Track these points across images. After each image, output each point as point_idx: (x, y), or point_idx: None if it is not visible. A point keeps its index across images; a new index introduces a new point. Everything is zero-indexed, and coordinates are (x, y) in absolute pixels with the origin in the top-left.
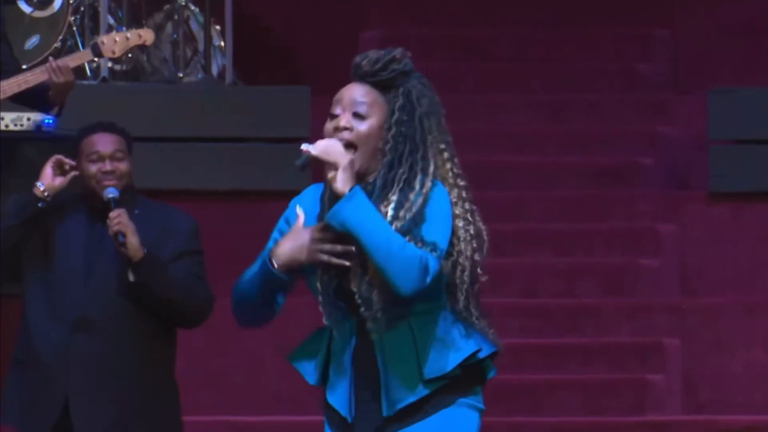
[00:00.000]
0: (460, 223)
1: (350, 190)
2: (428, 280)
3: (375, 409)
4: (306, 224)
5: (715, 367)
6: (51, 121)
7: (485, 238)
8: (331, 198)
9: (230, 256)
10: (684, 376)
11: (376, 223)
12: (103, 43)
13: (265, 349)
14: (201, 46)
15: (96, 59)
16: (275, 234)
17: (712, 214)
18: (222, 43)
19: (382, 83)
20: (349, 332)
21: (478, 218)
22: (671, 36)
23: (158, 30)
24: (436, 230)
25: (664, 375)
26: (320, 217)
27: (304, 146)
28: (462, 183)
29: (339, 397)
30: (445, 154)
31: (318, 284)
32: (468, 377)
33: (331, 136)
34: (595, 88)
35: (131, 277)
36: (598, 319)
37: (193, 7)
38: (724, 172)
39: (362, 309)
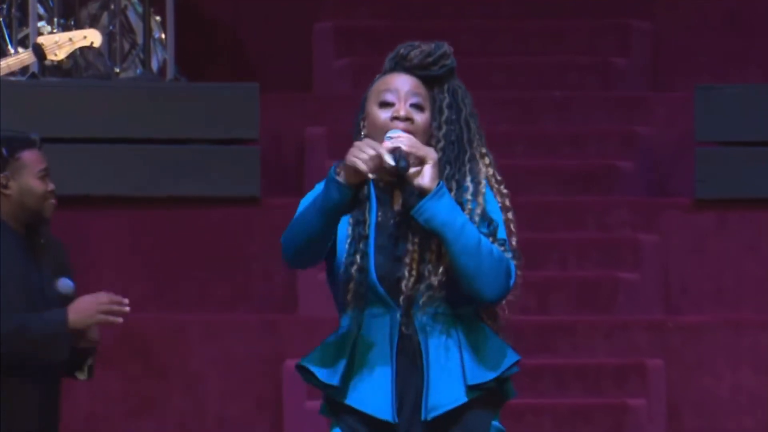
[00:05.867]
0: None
1: (437, 186)
2: (511, 284)
3: (416, 412)
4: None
5: (700, 390)
6: None
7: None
8: (410, 192)
9: (173, 268)
10: (667, 400)
11: (465, 223)
12: (43, 44)
13: (207, 371)
14: (140, 39)
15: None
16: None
17: (696, 223)
18: (163, 36)
19: (429, 78)
20: (389, 329)
21: (514, 229)
22: (651, 28)
23: (93, 21)
24: (502, 231)
25: (646, 399)
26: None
27: (388, 144)
28: (505, 191)
29: (373, 400)
30: (486, 159)
31: (354, 272)
32: (498, 393)
33: (385, 126)
34: (566, 85)
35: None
36: (573, 338)
37: None
38: (710, 176)
39: (423, 307)
